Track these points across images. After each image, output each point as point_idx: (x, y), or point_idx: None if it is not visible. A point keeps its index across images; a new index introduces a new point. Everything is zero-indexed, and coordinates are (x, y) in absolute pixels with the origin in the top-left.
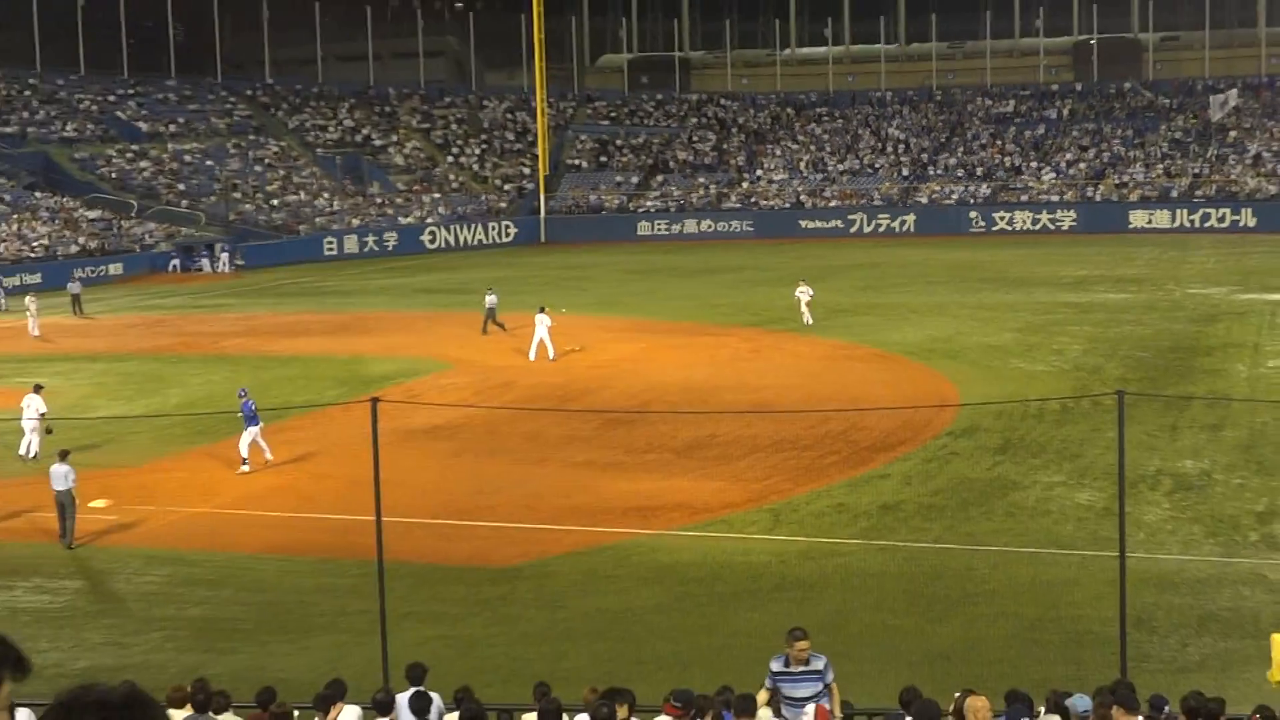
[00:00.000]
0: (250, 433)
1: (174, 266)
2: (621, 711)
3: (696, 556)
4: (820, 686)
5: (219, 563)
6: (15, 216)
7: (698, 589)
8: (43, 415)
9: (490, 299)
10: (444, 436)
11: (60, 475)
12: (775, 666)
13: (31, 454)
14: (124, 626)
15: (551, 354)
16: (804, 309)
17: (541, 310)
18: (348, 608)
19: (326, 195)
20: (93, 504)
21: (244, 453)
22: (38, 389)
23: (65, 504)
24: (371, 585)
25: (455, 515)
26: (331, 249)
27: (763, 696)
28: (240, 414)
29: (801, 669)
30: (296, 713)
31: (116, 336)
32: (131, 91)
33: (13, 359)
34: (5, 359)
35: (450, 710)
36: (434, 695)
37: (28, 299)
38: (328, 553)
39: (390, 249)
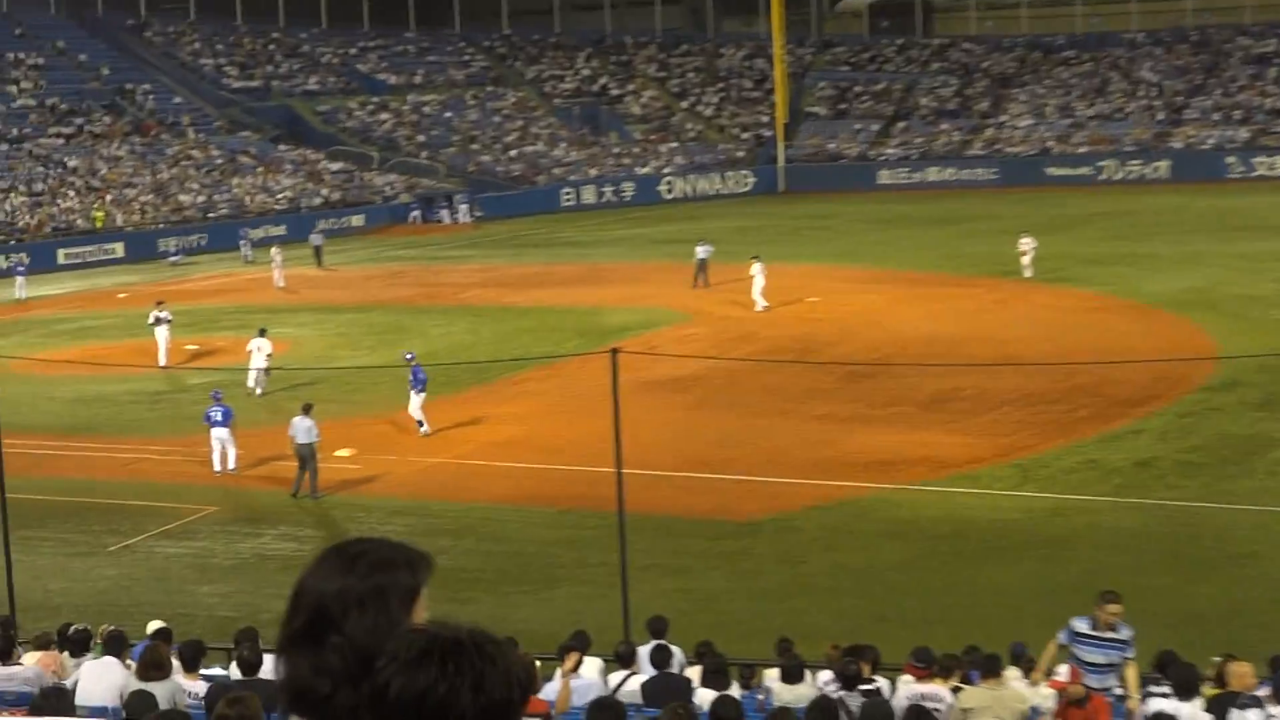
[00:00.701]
0: (416, 400)
1: (414, 218)
2: (864, 669)
3: (940, 512)
4: (1119, 658)
5: (460, 513)
6: (260, 170)
7: (942, 545)
8: (269, 357)
9: (702, 250)
10: (684, 388)
11: (303, 429)
12: (1080, 627)
13: (259, 391)
14: None
15: (759, 304)
16: (1026, 261)
17: (755, 259)
18: (588, 559)
19: (563, 146)
20: (338, 453)
21: (418, 416)
22: (262, 333)
23: (306, 457)
24: (612, 537)
25: (696, 468)
26: (569, 199)
27: (1050, 650)
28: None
29: (1109, 635)
30: (538, 662)
31: (358, 288)
32: (372, 44)
33: (259, 310)
34: (251, 310)
35: (692, 664)
36: (675, 649)
37: (272, 251)
38: (568, 504)
39: (627, 199)
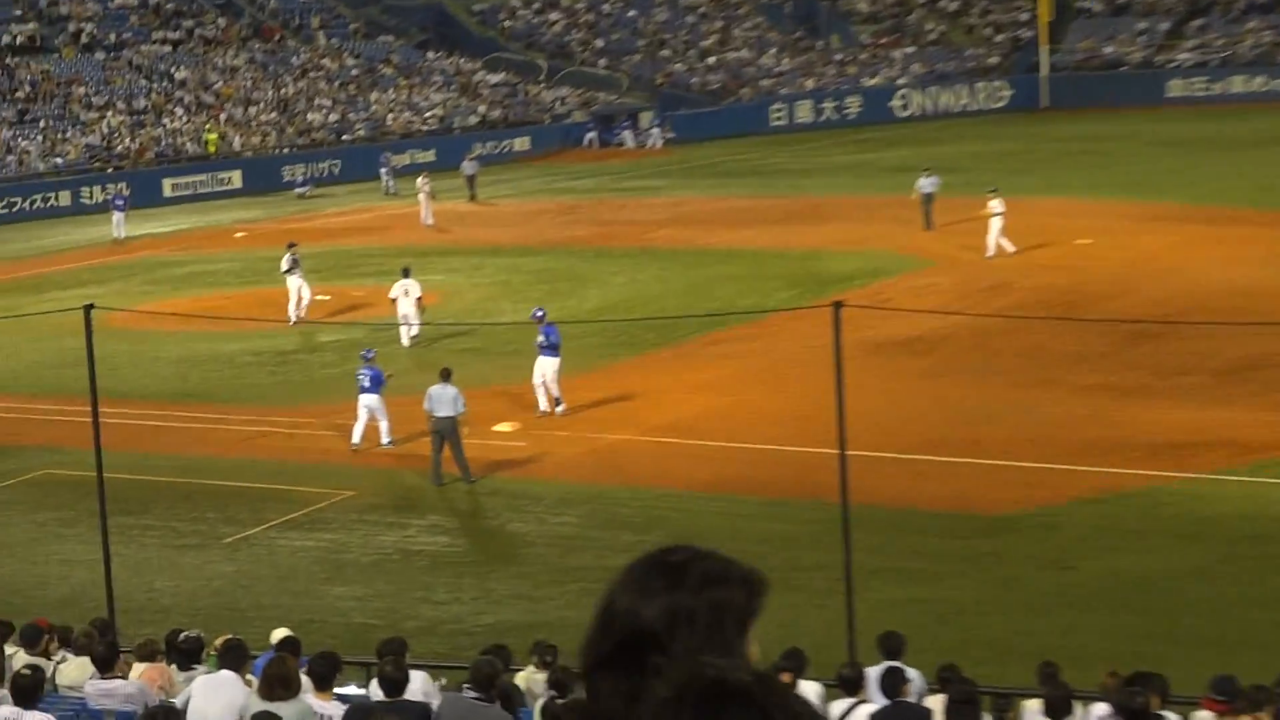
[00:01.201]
0: (550, 368)
1: (590, 141)
2: (1151, 702)
3: (1247, 508)
4: None
5: (646, 502)
6: (405, 82)
7: (1248, 549)
8: (419, 298)
9: (927, 183)
10: (921, 351)
11: (445, 399)
12: None
13: (414, 335)
14: (534, 577)
15: (991, 249)
16: None
17: (993, 193)
18: (802, 560)
19: (773, 52)
20: (497, 427)
21: (555, 390)
22: (406, 272)
23: (446, 433)
24: (832, 534)
25: (935, 450)
26: (779, 118)
27: None
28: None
29: None
30: None
31: (522, 225)
32: None
33: (402, 252)
34: (394, 252)
35: (933, 692)
36: (912, 672)
37: (419, 180)
38: (777, 492)
39: (852, 117)
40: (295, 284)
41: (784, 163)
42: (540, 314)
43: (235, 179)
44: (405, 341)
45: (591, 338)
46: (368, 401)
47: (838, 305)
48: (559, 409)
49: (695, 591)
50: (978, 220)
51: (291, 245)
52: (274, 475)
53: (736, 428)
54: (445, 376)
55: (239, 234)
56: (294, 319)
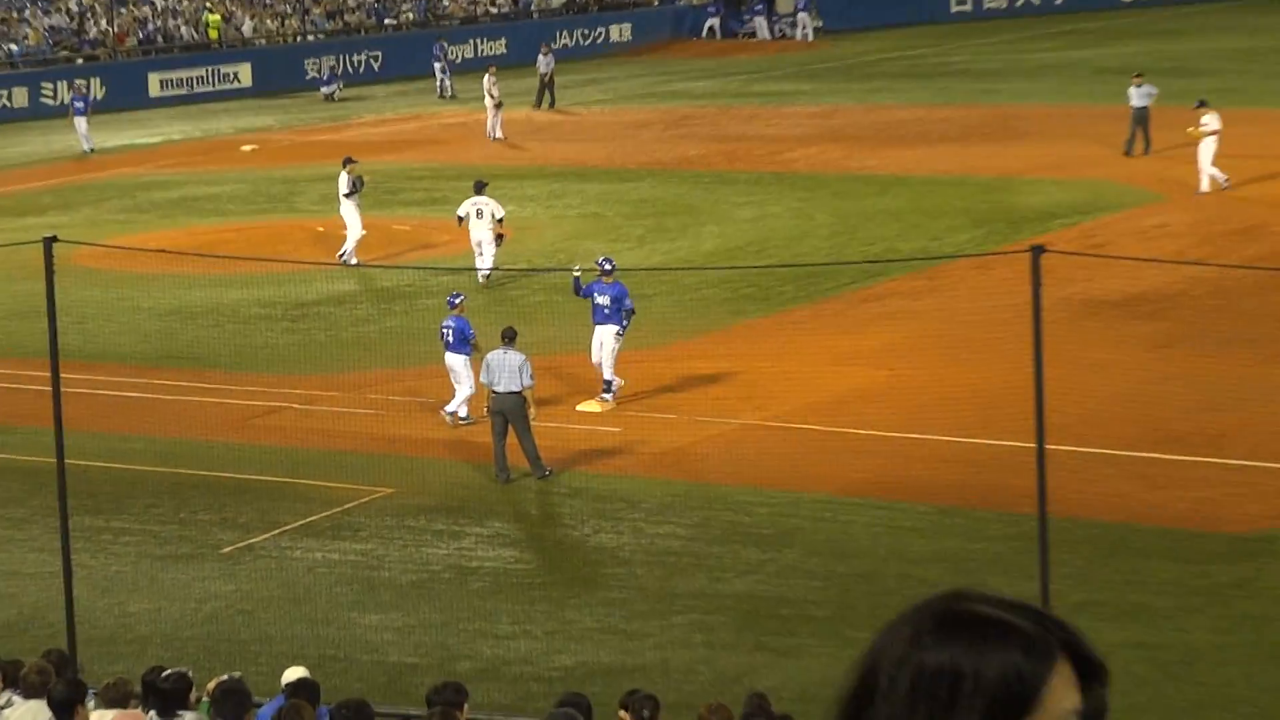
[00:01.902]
0: (610, 340)
1: (711, 30)
2: None
3: None
4: None
5: (777, 508)
6: None
7: None
8: (499, 220)
9: (1139, 94)
10: (1146, 314)
11: (507, 369)
12: None
13: (486, 274)
14: (628, 605)
15: (1204, 182)
16: None
17: (1203, 105)
18: (981, 587)
19: None
20: (581, 406)
21: (608, 371)
22: (480, 187)
23: (510, 414)
24: (1025, 554)
25: (1163, 446)
26: (963, 3)
27: None
28: (445, 333)
29: None
30: None
31: (618, 141)
32: None
33: (462, 173)
34: (450, 173)
35: None
36: None
37: (485, 80)
38: (952, 499)
39: (1059, 2)
40: (354, 214)
41: (967, 61)
42: (609, 266)
43: (243, 75)
44: (483, 277)
45: (709, 289)
46: (450, 362)
47: (1036, 251)
48: (606, 395)
49: (937, 647)
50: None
51: (350, 162)
52: (288, 465)
53: (898, 412)
54: (508, 339)
55: (247, 147)
56: (348, 257)
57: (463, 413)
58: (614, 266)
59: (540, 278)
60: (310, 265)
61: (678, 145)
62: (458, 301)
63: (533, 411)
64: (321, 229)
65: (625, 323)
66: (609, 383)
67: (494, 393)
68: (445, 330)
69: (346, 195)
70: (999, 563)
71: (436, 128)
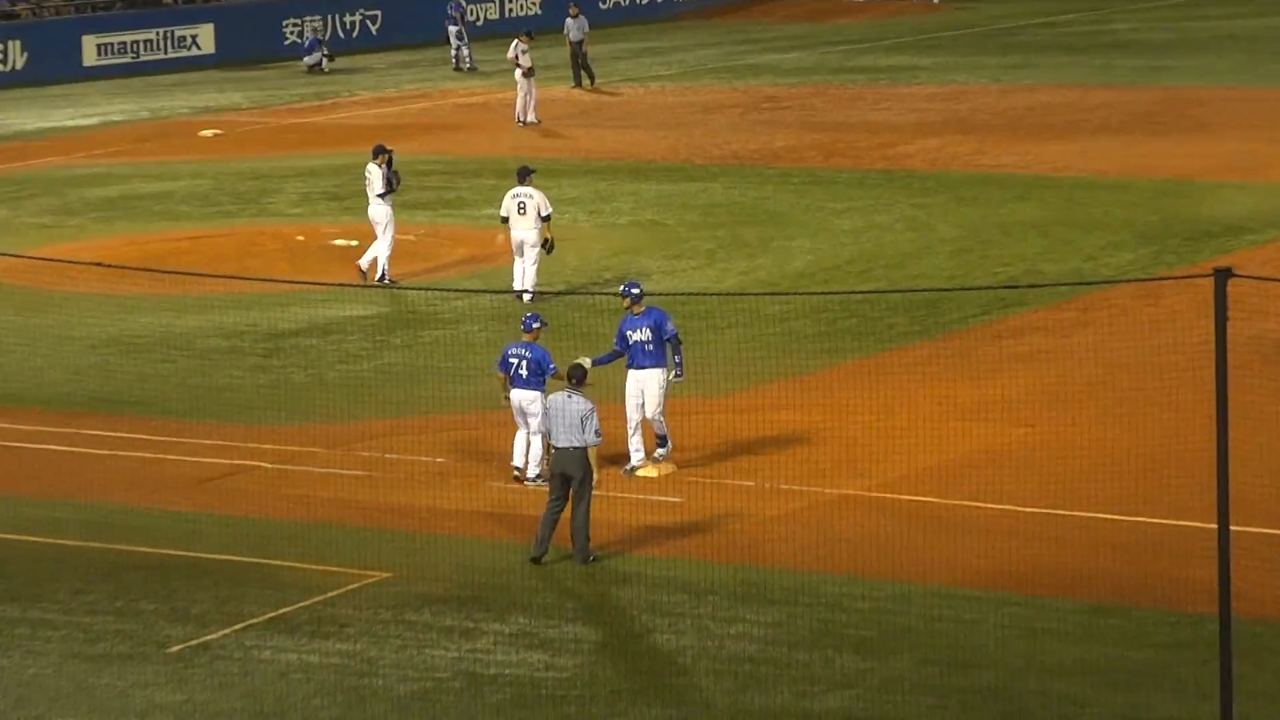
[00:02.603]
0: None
1: None
2: None
3: None
4: None
5: (881, 602)
6: None
7: None
8: (546, 219)
9: None
10: None
11: (566, 419)
12: None
13: (529, 287)
14: None
15: None
16: None
17: None
18: (1150, 711)
19: None
20: (635, 468)
21: (659, 426)
22: (524, 175)
23: (573, 475)
24: (1200, 667)
25: None
26: None
27: None
28: (513, 361)
29: None
30: None
31: (683, 129)
32: None
33: (482, 168)
34: (469, 167)
35: None
36: None
37: (514, 47)
38: (1107, 594)
39: None
40: (387, 219)
41: (1132, 30)
42: (635, 290)
43: (204, 39)
44: (521, 286)
45: (798, 320)
46: (522, 400)
47: (1221, 275)
48: (658, 454)
49: None
50: None
51: (382, 151)
52: (255, 541)
53: (1038, 482)
54: (575, 381)
55: (208, 132)
56: (379, 274)
57: (531, 472)
58: (642, 291)
59: (580, 300)
60: (288, 285)
61: (759, 135)
62: (535, 327)
63: (596, 477)
64: (302, 238)
65: (679, 359)
66: (663, 438)
67: (554, 448)
68: (514, 360)
69: (380, 195)
70: (1167, 677)
71: (450, 109)
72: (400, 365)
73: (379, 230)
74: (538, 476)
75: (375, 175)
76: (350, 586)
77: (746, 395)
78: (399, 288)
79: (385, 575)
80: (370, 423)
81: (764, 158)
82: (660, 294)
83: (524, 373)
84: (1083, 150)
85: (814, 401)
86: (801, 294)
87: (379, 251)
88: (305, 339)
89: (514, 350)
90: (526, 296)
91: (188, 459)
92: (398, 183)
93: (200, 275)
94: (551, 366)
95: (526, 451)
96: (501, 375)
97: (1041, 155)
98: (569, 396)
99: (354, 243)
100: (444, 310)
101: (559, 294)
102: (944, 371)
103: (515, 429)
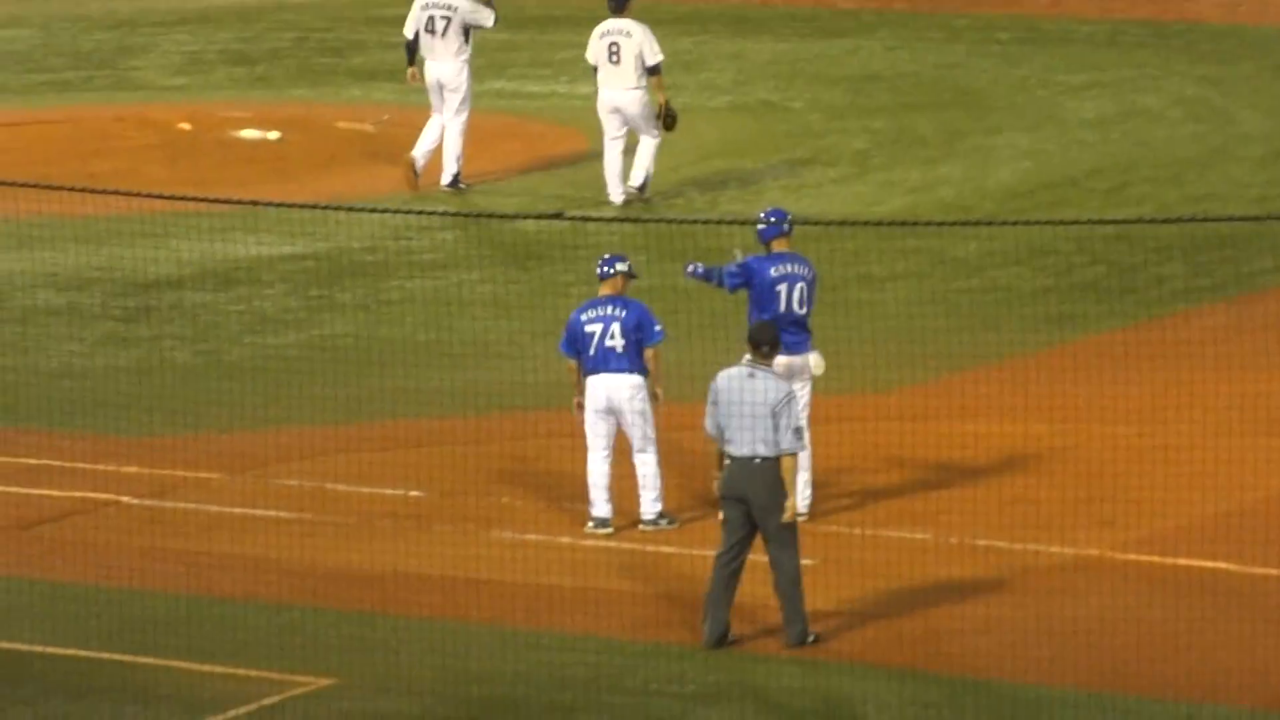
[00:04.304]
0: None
1: None
2: None
3: None
4: None
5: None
6: None
7: None
8: (653, 70)
9: None
10: None
11: (756, 408)
12: None
13: (635, 186)
14: None
15: None
16: None
17: None
18: None
19: None
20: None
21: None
22: (620, 3)
23: (760, 503)
24: None
25: None
26: None
27: None
28: (593, 328)
29: None
30: None
31: None
32: None
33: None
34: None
35: None
36: None
37: None
38: None
39: None
40: (466, 84)
41: None
42: (619, 266)
43: None
44: (616, 195)
45: (1006, 269)
46: (614, 394)
47: None
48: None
49: None
50: None
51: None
52: (109, 626)
53: None
54: (765, 349)
55: None
56: (451, 175)
57: (649, 510)
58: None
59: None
60: (169, 203)
61: None
62: (618, 270)
63: (792, 504)
64: (187, 125)
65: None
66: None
67: (729, 458)
68: (594, 328)
69: (459, 50)
70: None
71: None
72: (350, 338)
73: (453, 103)
74: (662, 516)
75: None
76: (267, 701)
77: (920, 392)
78: (466, 189)
79: (325, 682)
80: (300, 432)
81: (946, 2)
82: (770, 222)
83: (615, 345)
84: None
85: (1030, 402)
86: (1013, 224)
87: (453, 137)
88: (193, 293)
89: (591, 312)
90: (624, 190)
91: (14, 491)
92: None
93: (19, 186)
94: (657, 330)
95: (608, 487)
96: (571, 361)
97: None
98: (753, 374)
99: (272, 134)
100: (420, 245)
101: (611, 220)
102: (1249, 355)
103: (583, 450)
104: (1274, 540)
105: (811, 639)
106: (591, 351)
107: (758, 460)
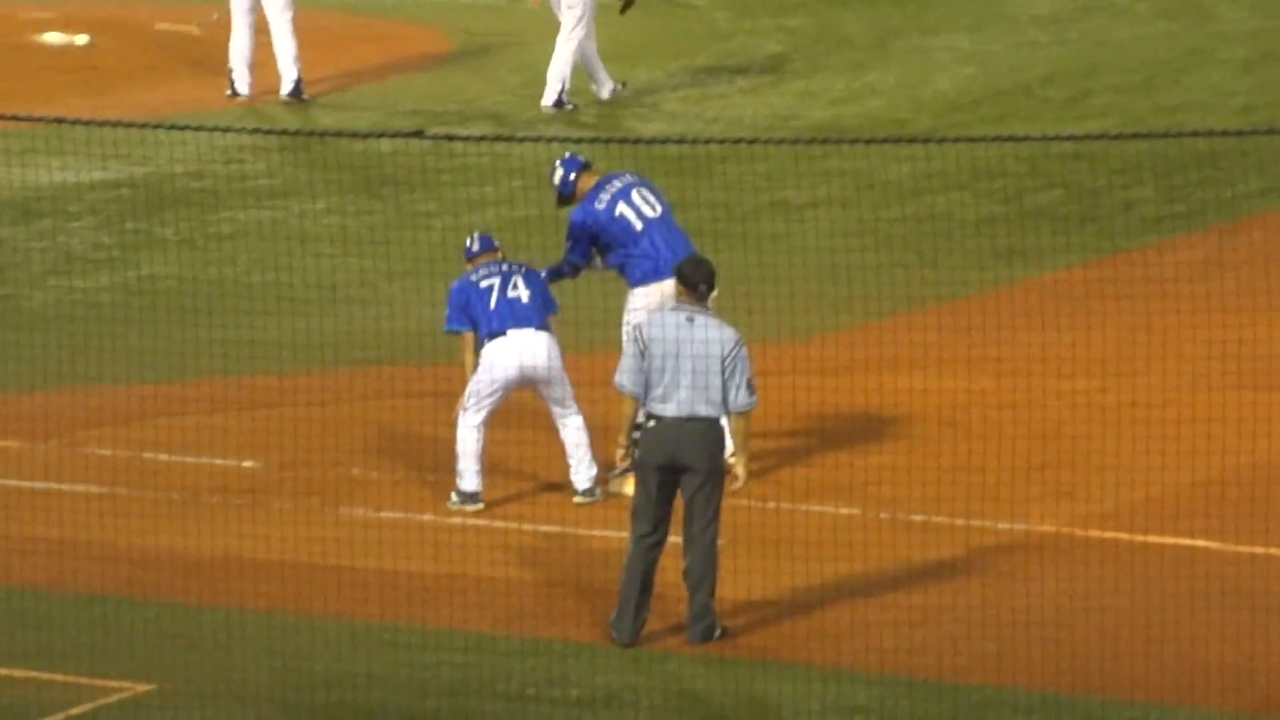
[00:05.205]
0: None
1: None
2: None
3: None
4: None
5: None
6: None
7: None
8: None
9: None
10: None
11: (698, 364)
12: None
13: (607, 91)
14: None
15: None
16: None
17: None
18: None
19: None
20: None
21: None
22: None
23: (693, 470)
24: None
25: None
26: None
27: None
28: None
29: None
30: None
31: None
32: None
33: None
34: None
35: None
36: None
37: None
38: None
39: None
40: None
41: None
42: (483, 244)
43: None
44: (604, 92)
45: (947, 194)
46: (526, 354)
47: None
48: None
49: None
50: None
51: None
52: None
53: None
54: (701, 288)
55: None
56: (290, 86)
57: (588, 479)
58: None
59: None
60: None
61: None
62: (484, 247)
63: (740, 470)
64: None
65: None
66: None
67: (654, 419)
68: (492, 281)
69: None
70: None
71: None
72: (172, 280)
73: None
74: (597, 485)
75: None
76: (75, 711)
77: (845, 340)
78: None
79: (143, 688)
80: (114, 391)
81: None
82: (675, 140)
83: (520, 295)
84: None
85: (973, 353)
86: (954, 141)
87: (281, 37)
88: None
89: (482, 270)
90: (608, 90)
91: None
92: None
93: None
94: (551, 298)
95: (480, 455)
96: (465, 332)
97: None
98: (690, 319)
99: (80, 39)
100: (255, 170)
101: (480, 140)
102: (1230, 295)
103: (450, 417)
104: (1260, 513)
105: (719, 633)
106: (492, 306)
107: (697, 420)
